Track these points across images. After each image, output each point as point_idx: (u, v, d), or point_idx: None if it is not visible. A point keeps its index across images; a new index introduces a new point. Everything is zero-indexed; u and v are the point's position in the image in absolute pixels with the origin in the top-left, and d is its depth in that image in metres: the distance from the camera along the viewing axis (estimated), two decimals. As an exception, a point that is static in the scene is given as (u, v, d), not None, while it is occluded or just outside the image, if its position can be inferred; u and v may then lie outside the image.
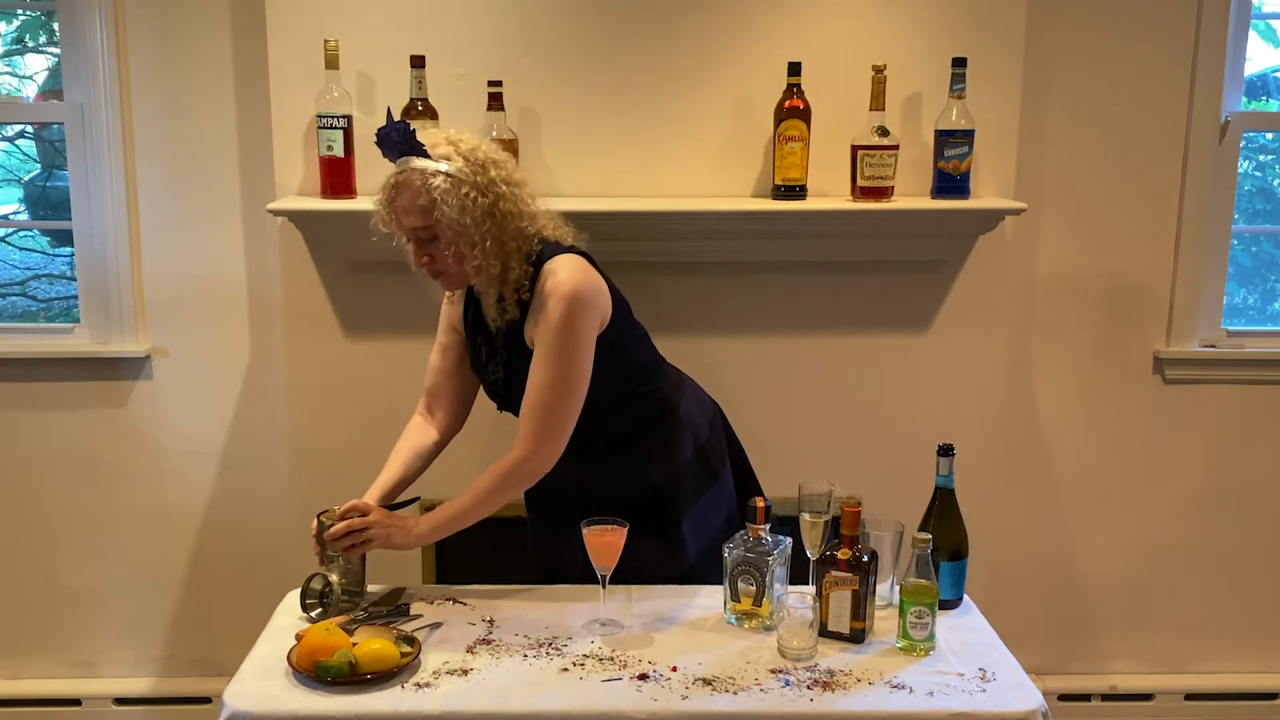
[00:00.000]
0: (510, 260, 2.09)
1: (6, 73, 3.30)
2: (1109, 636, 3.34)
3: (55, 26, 3.07)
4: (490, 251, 2.07)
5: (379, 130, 2.08)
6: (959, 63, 2.67)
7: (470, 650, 1.96)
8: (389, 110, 2.14)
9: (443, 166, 2.04)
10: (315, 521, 2.13)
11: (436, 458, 2.35)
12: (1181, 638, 3.34)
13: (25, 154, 3.37)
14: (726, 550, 2.04)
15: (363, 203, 2.69)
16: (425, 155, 2.06)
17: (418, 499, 2.86)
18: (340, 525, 2.09)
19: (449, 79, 2.70)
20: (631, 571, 2.14)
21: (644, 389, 2.28)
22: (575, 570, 2.20)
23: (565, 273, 2.09)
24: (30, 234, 3.40)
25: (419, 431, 2.34)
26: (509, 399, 2.25)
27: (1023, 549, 3.23)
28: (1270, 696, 3.34)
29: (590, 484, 2.24)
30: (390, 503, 2.33)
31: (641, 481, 2.25)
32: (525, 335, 2.14)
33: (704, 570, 2.23)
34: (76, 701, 3.23)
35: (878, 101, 2.66)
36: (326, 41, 2.62)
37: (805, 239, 2.79)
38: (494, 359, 2.23)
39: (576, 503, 2.22)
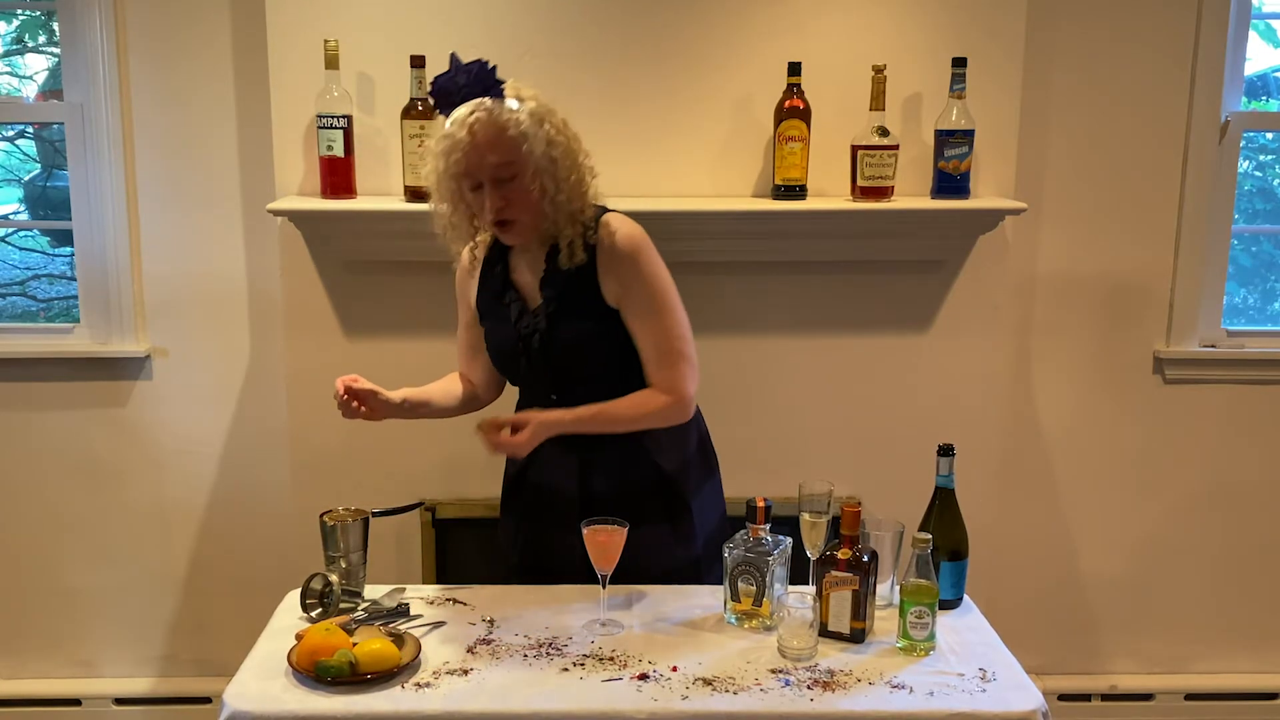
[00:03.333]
0: (584, 201, 2.13)
1: (6, 73, 3.30)
2: (1109, 636, 3.34)
3: (55, 26, 3.07)
4: (574, 187, 2.10)
5: (439, 80, 2.05)
6: (959, 63, 2.67)
7: (470, 650, 1.96)
8: (454, 56, 2.08)
9: (519, 103, 2.06)
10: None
11: (464, 413, 2.37)
12: (1181, 638, 3.34)
13: (25, 154, 3.37)
14: (726, 550, 2.04)
15: (363, 203, 2.69)
16: (501, 95, 2.05)
17: (421, 503, 2.87)
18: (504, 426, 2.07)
19: (449, 79, 2.70)
20: (644, 559, 2.15)
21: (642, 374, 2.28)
22: (570, 571, 2.18)
23: (626, 226, 2.15)
24: (30, 234, 3.40)
25: (455, 381, 2.38)
26: (541, 353, 2.17)
27: (1023, 549, 3.23)
28: (1270, 696, 3.34)
29: (594, 477, 2.22)
30: (398, 507, 2.33)
31: (650, 469, 2.23)
32: (601, 286, 2.13)
33: (709, 560, 2.23)
34: (76, 701, 3.23)
35: (878, 101, 2.66)
36: (326, 41, 2.62)
37: (805, 239, 2.79)
38: (528, 315, 2.17)
39: (577, 500, 2.20)
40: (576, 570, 2.13)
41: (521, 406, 2.29)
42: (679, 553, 2.25)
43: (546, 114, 2.09)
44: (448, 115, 2.07)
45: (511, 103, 2.05)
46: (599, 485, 2.21)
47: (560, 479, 2.22)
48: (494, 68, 2.05)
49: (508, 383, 2.37)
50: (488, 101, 2.04)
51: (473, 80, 2.03)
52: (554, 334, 2.16)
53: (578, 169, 2.12)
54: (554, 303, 2.16)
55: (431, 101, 2.09)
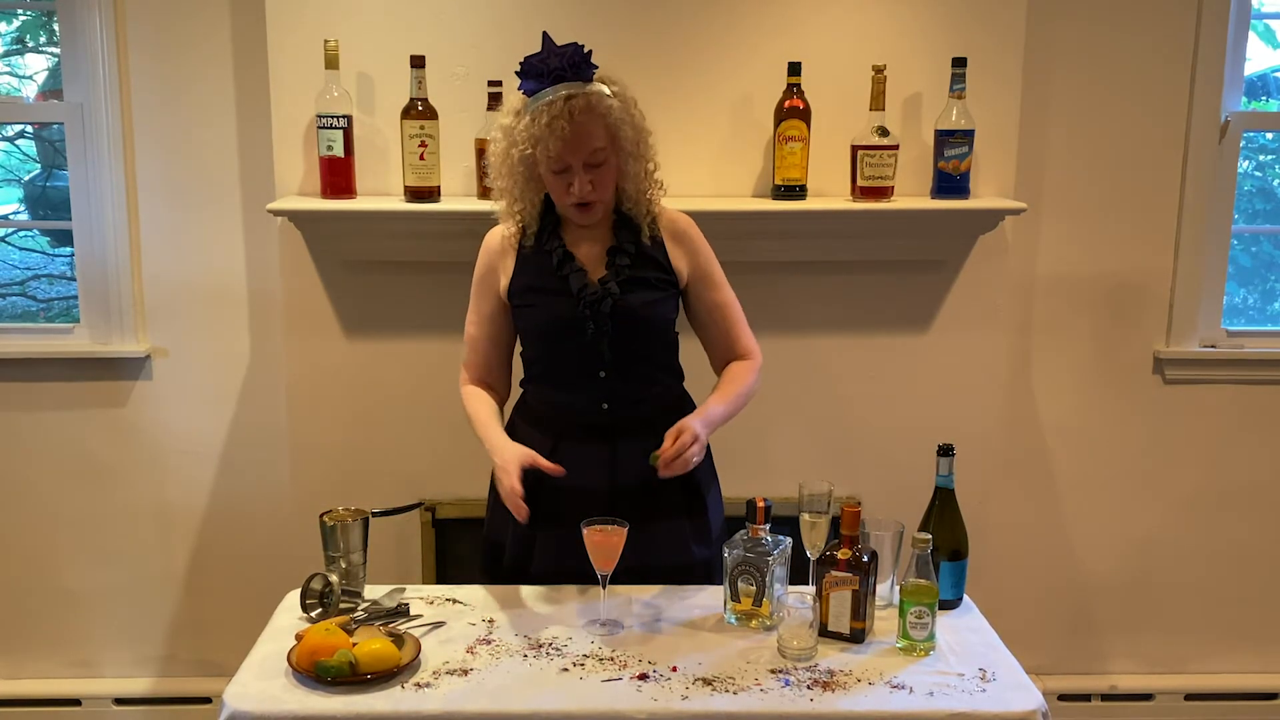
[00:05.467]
0: (653, 183, 2.20)
1: (6, 73, 3.30)
2: (1109, 636, 3.34)
3: (55, 26, 3.07)
4: (655, 168, 2.18)
5: (531, 59, 2.06)
6: (959, 62, 2.67)
7: (470, 650, 1.96)
8: (546, 35, 2.09)
9: (607, 88, 2.09)
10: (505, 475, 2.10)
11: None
12: (1181, 638, 3.34)
13: (25, 154, 3.37)
14: (726, 550, 2.04)
15: (363, 203, 2.69)
16: (591, 79, 2.08)
17: (421, 503, 2.87)
18: (672, 451, 2.06)
19: (449, 79, 2.70)
20: (660, 554, 2.16)
21: (677, 361, 2.30)
22: (583, 570, 2.12)
23: (668, 207, 2.25)
24: (30, 234, 3.40)
25: (487, 397, 2.29)
26: (610, 319, 2.15)
27: (1023, 549, 3.23)
28: (1270, 696, 3.34)
29: (622, 471, 2.19)
30: (398, 507, 2.31)
31: None
32: (671, 257, 2.21)
33: (719, 561, 2.22)
34: (76, 701, 3.23)
35: (878, 101, 2.66)
36: (326, 41, 2.62)
37: (805, 239, 2.79)
38: (593, 284, 2.16)
39: (605, 495, 2.17)
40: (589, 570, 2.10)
41: (562, 388, 2.23)
42: (695, 550, 2.25)
43: (629, 98, 2.12)
44: (531, 95, 2.09)
45: (600, 87, 2.08)
46: (626, 478, 2.19)
47: (588, 476, 2.19)
48: (589, 52, 2.07)
49: (538, 367, 2.28)
50: (585, 86, 2.06)
51: (565, 63, 2.05)
52: (628, 300, 2.16)
53: (650, 149, 2.18)
54: (626, 270, 2.16)
55: (518, 80, 2.09)
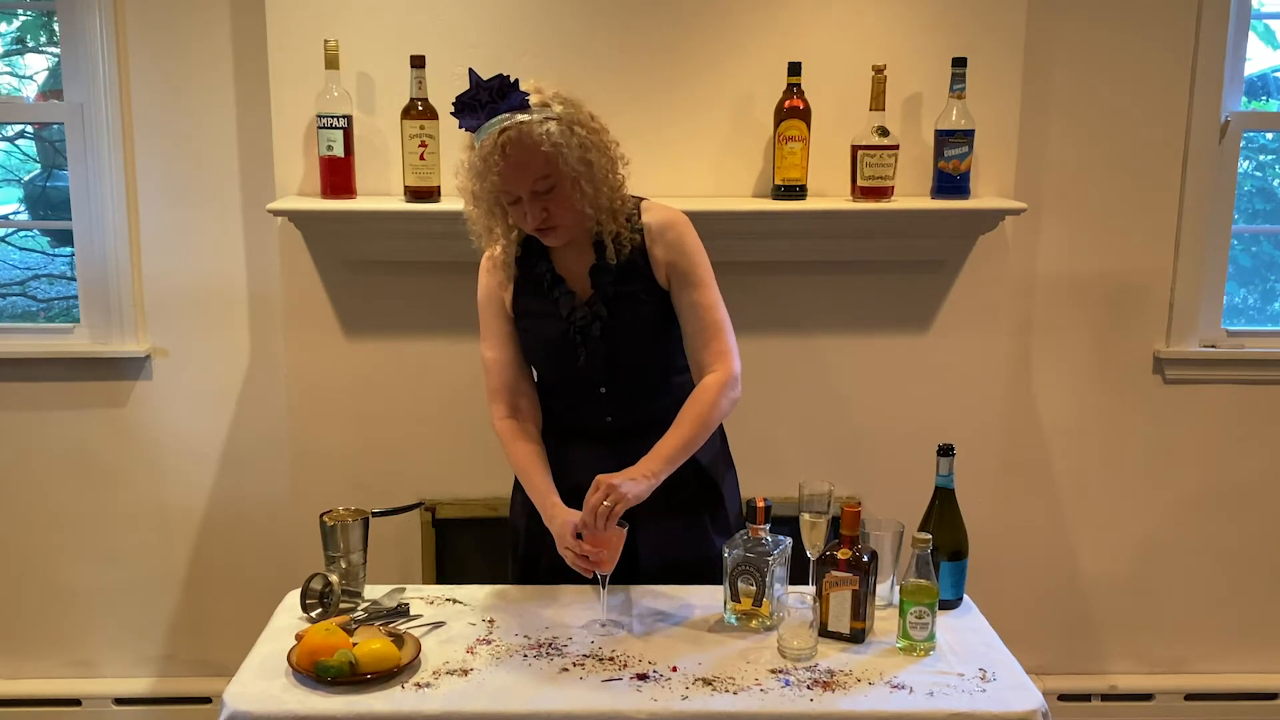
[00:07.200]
0: (621, 193, 2.13)
1: (6, 73, 3.30)
2: (1109, 636, 3.34)
3: (55, 26, 3.07)
4: (615, 184, 2.10)
5: (461, 98, 2.00)
6: (959, 63, 2.67)
7: (470, 650, 1.96)
8: (472, 72, 2.03)
9: (547, 113, 2.02)
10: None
11: None
12: (1181, 638, 3.34)
13: (25, 154, 3.37)
14: (727, 550, 2.04)
15: (363, 203, 2.69)
16: (526, 105, 2.01)
17: (421, 503, 2.87)
18: (594, 511, 1.96)
19: (449, 79, 2.69)
20: (686, 550, 2.18)
21: (680, 358, 2.28)
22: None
23: (662, 208, 2.18)
24: (30, 234, 3.40)
25: (529, 436, 2.22)
26: (601, 342, 2.16)
27: (1023, 549, 3.23)
28: (1270, 696, 3.34)
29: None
30: (398, 507, 2.31)
31: (689, 463, 2.19)
32: (652, 264, 2.14)
33: None
34: (76, 701, 3.23)
35: (878, 101, 2.66)
36: (326, 41, 2.62)
37: (805, 239, 2.79)
38: (582, 306, 2.16)
39: None
40: (619, 567, 2.09)
41: (565, 402, 2.25)
42: (716, 542, 2.22)
43: (575, 118, 2.05)
44: (474, 131, 2.04)
45: (538, 113, 2.02)
46: None
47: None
48: (515, 81, 2.01)
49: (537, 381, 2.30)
50: (517, 116, 2.00)
51: (495, 96, 2.00)
52: (616, 321, 2.15)
53: (612, 164, 2.10)
54: (610, 288, 2.15)
55: (456, 122, 2.05)
